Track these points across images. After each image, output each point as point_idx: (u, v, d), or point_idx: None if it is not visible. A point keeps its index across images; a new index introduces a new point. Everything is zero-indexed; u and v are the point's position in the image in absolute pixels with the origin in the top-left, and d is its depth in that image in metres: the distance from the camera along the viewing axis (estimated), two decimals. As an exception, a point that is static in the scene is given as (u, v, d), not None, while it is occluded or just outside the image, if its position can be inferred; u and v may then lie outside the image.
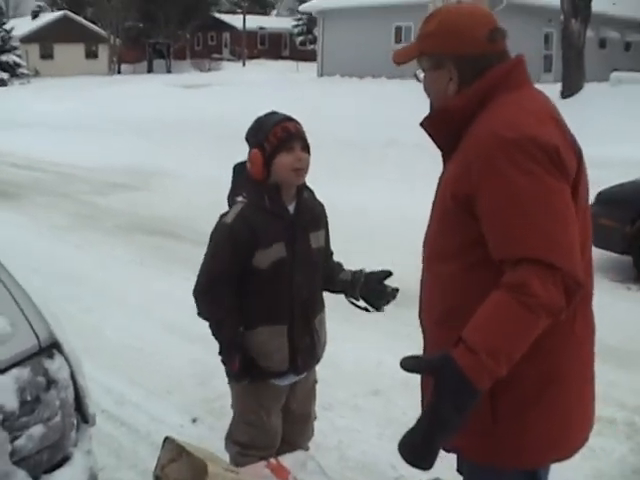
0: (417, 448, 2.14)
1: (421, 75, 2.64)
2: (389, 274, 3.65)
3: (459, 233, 2.43)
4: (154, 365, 6.08)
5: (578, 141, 2.50)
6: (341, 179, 13.80)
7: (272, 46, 74.99)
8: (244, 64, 63.07)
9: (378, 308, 3.66)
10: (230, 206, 3.54)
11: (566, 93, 21.95)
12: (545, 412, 2.46)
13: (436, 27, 2.54)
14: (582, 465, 4.29)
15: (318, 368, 3.86)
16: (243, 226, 3.38)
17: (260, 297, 3.45)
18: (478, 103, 2.46)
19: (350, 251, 4.89)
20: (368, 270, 3.70)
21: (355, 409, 5.21)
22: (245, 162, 3.53)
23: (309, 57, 50.25)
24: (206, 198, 11.37)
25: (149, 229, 11.11)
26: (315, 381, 3.89)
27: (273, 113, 3.53)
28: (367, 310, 3.71)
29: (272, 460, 2.71)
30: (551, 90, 22.13)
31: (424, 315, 2.71)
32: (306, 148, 3.43)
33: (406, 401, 5.04)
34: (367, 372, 5.79)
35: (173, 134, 19.07)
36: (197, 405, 5.26)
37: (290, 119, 3.46)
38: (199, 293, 3.48)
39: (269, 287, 3.44)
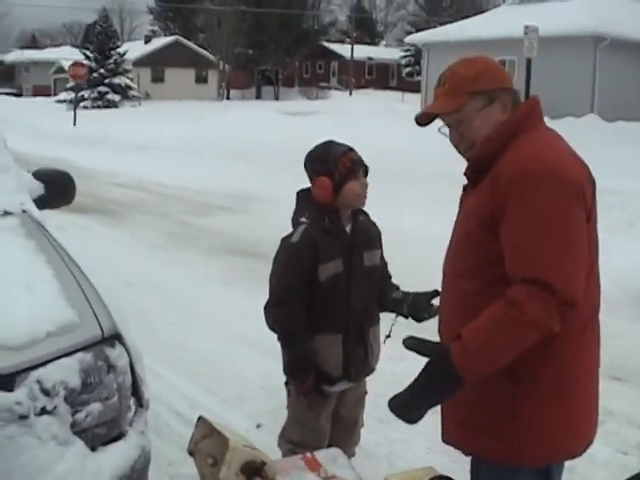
0: (400, 409, 2.63)
1: (446, 130, 2.92)
2: (437, 293, 3.88)
3: (479, 251, 2.74)
4: (230, 376, 6.49)
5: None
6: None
7: (379, 76, 75.44)
8: (351, 93, 63.61)
9: (420, 320, 3.96)
10: (294, 227, 3.92)
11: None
12: (562, 410, 2.73)
13: (484, 67, 2.87)
14: None
15: (381, 383, 4.19)
16: (308, 243, 3.77)
17: (319, 308, 3.81)
18: (502, 144, 2.76)
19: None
20: (418, 291, 4.00)
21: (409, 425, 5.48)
22: (308, 188, 3.93)
23: (415, 88, 50.42)
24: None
25: (242, 251, 11.52)
26: (365, 391, 4.21)
27: (332, 142, 3.94)
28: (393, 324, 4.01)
29: (307, 454, 3.00)
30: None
31: (443, 332, 3.00)
32: (366, 173, 3.88)
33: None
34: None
35: (276, 160, 19.46)
36: (263, 413, 5.62)
37: (351, 149, 3.88)
38: (272, 307, 3.82)
39: (327, 299, 3.80)
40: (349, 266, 3.84)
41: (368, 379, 4.19)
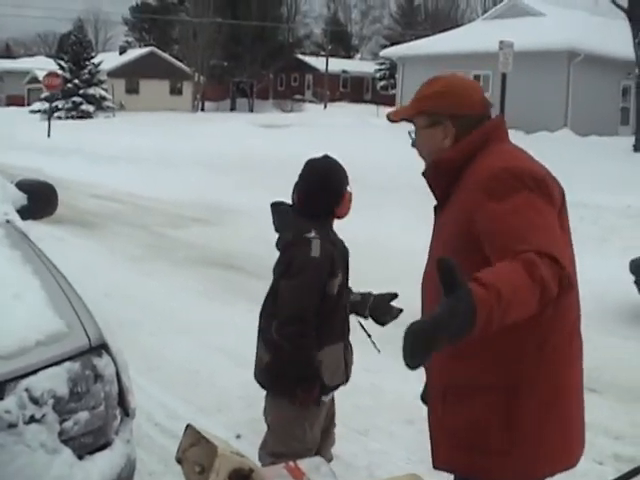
0: (410, 347, 2.18)
1: (414, 134, 3.02)
2: (395, 296, 4.14)
3: (467, 264, 2.72)
4: (207, 386, 6.53)
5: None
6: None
7: (354, 89, 75.61)
8: (325, 106, 63.67)
9: (383, 324, 4.12)
10: (296, 242, 3.90)
11: (639, 146, 21.84)
12: (556, 423, 2.78)
13: (439, 90, 2.93)
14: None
15: (361, 396, 4.28)
16: (326, 259, 3.84)
17: (328, 319, 3.89)
18: (469, 155, 2.84)
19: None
20: (376, 292, 4.19)
21: (389, 435, 5.54)
22: (283, 202, 4.07)
23: (390, 102, 50.57)
24: (276, 236, 11.67)
25: (218, 262, 11.57)
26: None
27: (327, 157, 4.07)
28: (369, 336, 4.24)
29: (290, 463, 3.02)
30: (624, 143, 22.22)
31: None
32: None
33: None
34: (406, 402, 6.10)
35: (251, 172, 19.50)
36: (242, 424, 5.65)
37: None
38: (289, 322, 3.78)
39: (335, 310, 3.93)
40: (345, 276, 4.00)
41: (345, 390, 4.24)
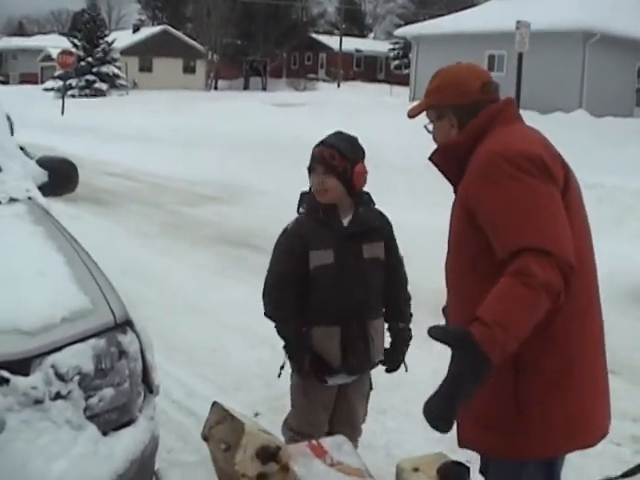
0: (437, 410, 2.42)
1: (430, 127, 3.12)
2: None
3: (470, 245, 2.81)
4: (224, 365, 6.55)
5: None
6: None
7: (367, 69, 75.44)
8: (339, 85, 63.57)
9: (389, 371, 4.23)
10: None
11: (653, 128, 21.66)
12: (564, 401, 2.78)
13: (438, 83, 3.05)
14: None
15: (378, 375, 4.24)
16: (299, 230, 3.86)
17: (313, 298, 3.86)
18: (475, 138, 2.90)
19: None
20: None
21: (406, 414, 5.54)
22: None
23: (403, 81, 50.48)
24: (292, 214, 11.69)
25: (233, 241, 11.59)
26: (370, 387, 4.24)
27: (332, 133, 3.97)
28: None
29: (313, 441, 3.04)
30: (639, 125, 22.10)
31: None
32: (328, 171, 3.81)
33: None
34: (423, 382, 6.10)
35: (265, 151, 19.49)
36: (260, 402, 5.67)
37: (323, 142, 3.89)
38: (264, 294, 3.92)
39: (319, 290, 3.84)
40: (340, 258, 3.84)
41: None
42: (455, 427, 3.01)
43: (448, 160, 3.02)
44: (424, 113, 3.12)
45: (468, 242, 2.81)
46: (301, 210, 3.96)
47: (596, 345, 2.94)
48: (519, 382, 2.75)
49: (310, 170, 3.88)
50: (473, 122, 2.93)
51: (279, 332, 3.94)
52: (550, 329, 2.71)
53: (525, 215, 2.59)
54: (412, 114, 3.14)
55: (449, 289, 3.08)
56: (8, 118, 6.32)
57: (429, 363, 6.30)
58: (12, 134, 6.22)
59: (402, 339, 4.12)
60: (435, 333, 2.47)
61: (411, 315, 4.15)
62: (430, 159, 3.05)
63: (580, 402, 2.84)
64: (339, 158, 3.80)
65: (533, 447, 2.80)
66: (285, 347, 3.96)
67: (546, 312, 2.53)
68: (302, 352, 3.87)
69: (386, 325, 4.11)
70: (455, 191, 3.04)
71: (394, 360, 4.13)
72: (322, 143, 3.88)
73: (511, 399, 2.77)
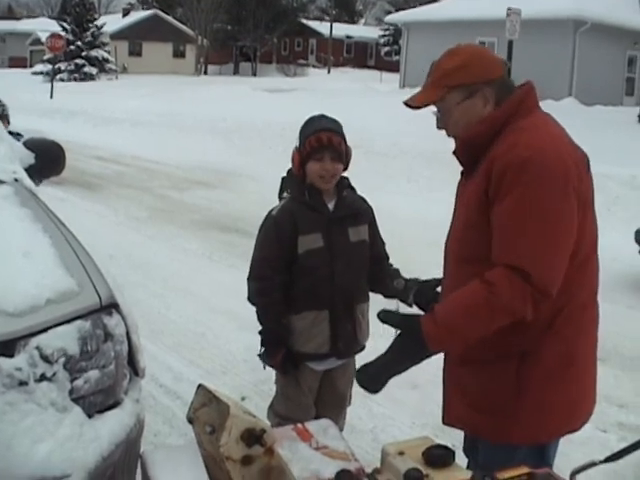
0: (372, 376, 2.75)
1: (438, 114, 2.96)
2: (439, 282, 3.76)
3: (483, 237, 2.77)
4: (212, 349, 6.55)
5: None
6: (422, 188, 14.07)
7: (358, 55, 75.23)
8: (329, 71, 63.40)
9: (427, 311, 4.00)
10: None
11: (644, 117, 21.64)
12: (562, 390, 2.82)
13: (465, 60, 2.86)
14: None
15: (365, 360, 4.22)
16: (286, 215, 3.80)
17: (301, 284, 3.83)
18: (496, 129, 2.81)
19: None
20: (421, 279, 3.90)
21: (393, 399, 5.54)
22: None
23: (393, 68, 50.34)
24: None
25: (222, 226, 11.59)
26: (355, 370, 4.24)
27: (321, 118, 3.91)
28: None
29: (299, 425, 3.03)
30: (628, 114, 22.11)
31: None
32: (337, 158, 3.78)
33: (441, 396, 5.37)
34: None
35: (255, 136, 19.47)
36: (247, 387, 5.69)
37: (327, 129, 3.81)
38: (249, 279, 3.89)
39: (309, 274, 3.81)
40: (330, 242, 3.84)
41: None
42: (442, 404, 3.08)
43: (469, 150, 2.91)
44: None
45: (481, 234, 2.77)
46: (285, 195, 3.93)
47: (591, 336, 2.98)
48: (521, 370, 2.78)
49: (310, 156, 3.78)
50: (495, 113, 2.83)
51: (259, 318, 3.91)
52: (554, 323, 2.76)
53: (533, 234, 2.61)
54: (419, 104, 2.94)
55: (447, 274, 3.09)
56: (3, 104, 6.31)
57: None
58: (9, 121, 6.22)
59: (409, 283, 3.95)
60: (385, 317, 2.69)
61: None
62: (454, 153, 2.96)
63: (576, 392, 2.88)
64: (343, 144, 3.81)
65: (526, 433, 2.83)
66: (261, 333, 3.93)
67: (549, 310, 2.68)
68: (277, 344, 3.86)
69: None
70: (464, 173, 3.01)
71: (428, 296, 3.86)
72: (325, 129, 3.80)
73: (511, 385, 2.79)
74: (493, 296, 2.56)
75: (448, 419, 3.07)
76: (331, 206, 3.88)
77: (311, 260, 3.81)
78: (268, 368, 4.04)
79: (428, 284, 3.79)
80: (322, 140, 3.76)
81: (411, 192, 13.32)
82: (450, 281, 3.04)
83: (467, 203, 2.88)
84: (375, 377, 2.75)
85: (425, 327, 2.60)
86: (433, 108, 2.96)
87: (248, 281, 3.89)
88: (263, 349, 3.93)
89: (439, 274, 3.28)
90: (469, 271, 2.83)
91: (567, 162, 2.69)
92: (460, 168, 3.02)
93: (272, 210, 3.91)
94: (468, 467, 2.87)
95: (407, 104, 2.97)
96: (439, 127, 2.98)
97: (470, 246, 2.87)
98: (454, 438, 3.20)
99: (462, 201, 2.96)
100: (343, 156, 3.82)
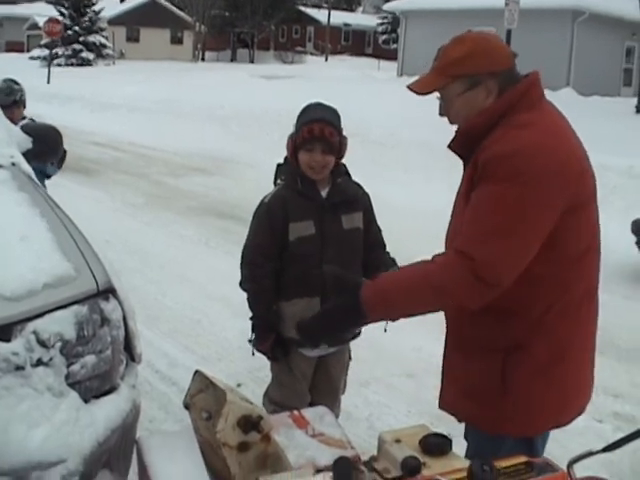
0: (308, 327, 2.83)
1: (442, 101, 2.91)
2: None
3: None
4: (208, 335, 6.56)
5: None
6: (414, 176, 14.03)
7: (355, 43, 75.11)
8: (327, 59, 63.31)
9: None
10: None
11: (641, 108, 21.56)
12: (551, 384, 2.79)
13: (470, 50, 2.79)
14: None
15: (360, 348, 4.22)
16: (278, 202, 3.81)
17: (293, 270, 3.84)
18: (494, 121, 2.75)
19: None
20: None
21: (389, 387, 5.57)
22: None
23: (391, 56, 50.21)
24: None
25: (219, 212, 11.58)
26: (349, 358, 4.24)
27: (317, 106, 3.90)
28: None
29: (295, 412, 3.03)
30: (626, 105, 22.09)
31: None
32: (328, 150, 3.76)
33: (437, 384, 5.37)
34: (405, 356, 6.13)
35: (253, 123, 19.41)
36: (243, 373, 5.69)
37: (321, 120, 3.78)
38: (242, 265, 3.90)
39: (300, 261, 3.82)
40: (322, 229, 3.84)
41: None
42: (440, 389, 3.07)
43: (465, 142, 2.86)
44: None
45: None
46: (279, 182, 3.94)
47: (587, 331, 2.94)
48: (507, 365, 2.76)
49: (301, 146, 3.77)
50: (495, 104, 2.78)
51: (250, 305, 3.92)
52: (545, 318, 2.73)
53: (486, 225, 2.59)
54: (424, 90, 2.87)
55: None
56: (22, 89, 6.32)
57: (411, 338, 6.35)
58: (24, 106, 6.27)
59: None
60: (329, 270, 2.84)
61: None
62: (449, 147, 2.92)
63: (565, 388, 2.85)
64: (336, 135, 3.78)
65: (513, 426, 2.82)
66: (252, 319, 3.95)
67: (539, 306, 2.69)
68: (267, 330, 3.89)
69: None
70: (464, 167, 2.96)
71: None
72: (318, 120, 3.78)
73: (498, 380, 2.78)
74: (434, 275, 2.57)
75: (442, 403, 3.07)
76: (324, 193, 3.88)
77: (302, 247, 3.81)
78: (264, 358, 4.05)
79: None
80: (314, 131, 3.74)
81: (408, 182, 13.28)
82: None
83: (461, 193, 2.87)
84: (311, 328, 2.82)
85: (364, 291, 2.60)
86: (437, 94, 2.92)
87: (241, 267, 3.90)
88: (254, 335, 3.95)
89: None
90: None
91: (555, 161, 2.63)
92: (459, 160, 3.00)
93: (265, 197, 3.92)
94: (466, 455, 2.86)
95: (410, 88, 2.92)
96: (441, 114, 2.94)
97: None
98: (451, 426, 3.19)
99: (460, 191, 2.95)
100: (335, 147, 3.79)
